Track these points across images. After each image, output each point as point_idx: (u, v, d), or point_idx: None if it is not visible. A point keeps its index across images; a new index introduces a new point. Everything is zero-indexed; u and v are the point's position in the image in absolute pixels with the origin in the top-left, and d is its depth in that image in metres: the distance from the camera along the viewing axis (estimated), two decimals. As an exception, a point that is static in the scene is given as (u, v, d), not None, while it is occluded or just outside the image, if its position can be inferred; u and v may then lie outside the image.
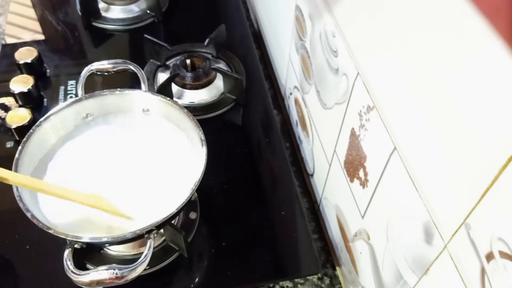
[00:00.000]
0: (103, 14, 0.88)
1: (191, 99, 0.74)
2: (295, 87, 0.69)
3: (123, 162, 0.55)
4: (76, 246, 0.46)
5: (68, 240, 0.46)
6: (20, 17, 0.87)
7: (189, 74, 0.74)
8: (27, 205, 0.46)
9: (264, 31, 0.88)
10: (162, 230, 0.56)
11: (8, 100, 0.72)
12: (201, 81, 0.75)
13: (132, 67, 0.60)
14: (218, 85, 0.76)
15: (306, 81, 0.63)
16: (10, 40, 0.82)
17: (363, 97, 0.44)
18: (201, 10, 0.92)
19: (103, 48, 0.85)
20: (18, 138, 0.67)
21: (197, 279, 0.57)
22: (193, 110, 0.72)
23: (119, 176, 0.54)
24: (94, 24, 0.86)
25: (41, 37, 0.84)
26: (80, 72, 0.59)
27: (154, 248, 0.48)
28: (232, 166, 0.68)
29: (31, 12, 0.88)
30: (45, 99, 0.74)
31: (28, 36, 0.83)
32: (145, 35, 0.78)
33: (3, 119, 0.68)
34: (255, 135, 0.74)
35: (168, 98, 0.57)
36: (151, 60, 0.79)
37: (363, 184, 0.47)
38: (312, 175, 0.67)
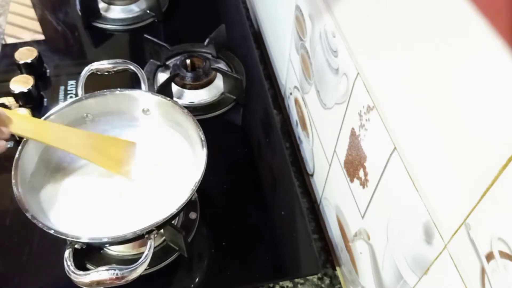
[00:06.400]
0: (103, 14, 0.88)
1: (191, 99, 0.74)
2: (295, 87, 0.69)
3: (123, 162, 0.55)
4: (76, 246, 0.46)
5: (68, 240, 0.46)
6: (20, 17, 0.87)
7: (189, 74, 0.74)
8: (27, 205, 0.46)
9: (264, 31, 0.88)
10: (162, 230, 0.56)
11: (8, 100, 0.72)
12: (201, 81, 0.75)
13: (132, 67, 0.60)
14: (218, 85, 0.76)
15: (306, 81, 0.63)
16: (10, 40, 0.82)
17: (363, 97, 0.44)
18: (201, 10, 0.92)
19: (103, 48, 0.85)
20: (18, 138, 0.67)
21: (197, 279, 0.57)
22: (193, 110, 0.72)
23: (119, 176, 0.54)
24: (94, 24, 0.86)
25: (41, 37, 0.84)
26: (80, 72, 0.59)
27: (154, 248, 0.48)
28: (232, 166, 0.68)
29: (31, 12, 0.88)
30: (45, 99, 0.74)
31: (28, 36, 0.83)
32: (145, 35, 0.78)
33: (3, 119, 0.68)
34: (255, 135, 0.74)
35: (168, 98, 0.57)
36: (151, 60, 0.79)
37: (363, 184, 0.47)
38: (312, 175, 0.67)
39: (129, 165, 0.55)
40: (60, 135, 0.52)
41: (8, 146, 0.66)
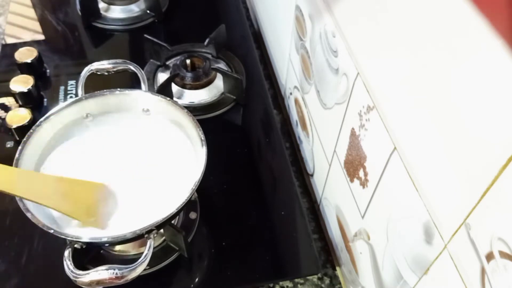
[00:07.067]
0: (103, 14, 0.88)
1: (191, 99, 0.74)
2: (295, 87, 0.69)
3: (123, 162, 0.55)
4: (76, 246, 0.46)
5: (68, 240, 0.46)
6: (20, 17, 0.87)
7: (189, 74, 0.74)
8: (27, 205, 0.46)
9: (264, 31, 0.88)
10: (162, 230, 0.56)
11: (8, 100, 0.72)
12: (201, 81, 0.75)
13: (132, 67, 0.60)
14: (218, 85, 0.76)
15: (306, 81, 0.63)
16: (10, 40, 0.82)
17: (363, 97, 0.44)
18: (201, 10, 0.92)
19: (103, 48, 0.85)
20: (18, 138, 0.67)
21: (197, 279, 0.57)
22: (193, 110, 0.72)
23: (119, 176, 0.54)
24: (94, 24, 0.86)
25: (41, 37, 0.84)
26: (80, 72, 0.58)
27: (154, 248, 0.48)
28: (232, 166, 0.68)
29: (31, 12, 0.88)
30: (45, 99, 0.74)
31: (28, 36, 0.83)
32: (145, 35, 0.78)
33: (3, 119, 0.68)
34: (255, 135, 0.74)
35: (168, 98, 0.57)
36: (151, 60, 0.79)
37: (363, 184, 0.47)
38: (312, 175, 0.67)
39: (98, 213, 0.51)
40: (25, 183, 0.47)
41: (8, 146, 0.67)
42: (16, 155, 0.50)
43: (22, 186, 0.46)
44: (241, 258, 0.59)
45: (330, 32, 0.51)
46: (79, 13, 0.88)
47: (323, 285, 0.59)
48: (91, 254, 0.56)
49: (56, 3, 0.91)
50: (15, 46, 0.78)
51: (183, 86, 0.75)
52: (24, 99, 0.71)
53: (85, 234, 0.46)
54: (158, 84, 0.74)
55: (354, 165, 0.49)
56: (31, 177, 0.49)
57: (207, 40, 0.79)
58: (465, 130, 0.29)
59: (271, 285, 0.58)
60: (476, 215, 0.29)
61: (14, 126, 0.66)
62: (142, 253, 0.46)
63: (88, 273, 0.44)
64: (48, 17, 0.88)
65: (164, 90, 0.70)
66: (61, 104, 0.56)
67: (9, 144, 0.67)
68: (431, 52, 0.32)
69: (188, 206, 0.60)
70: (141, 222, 0.47)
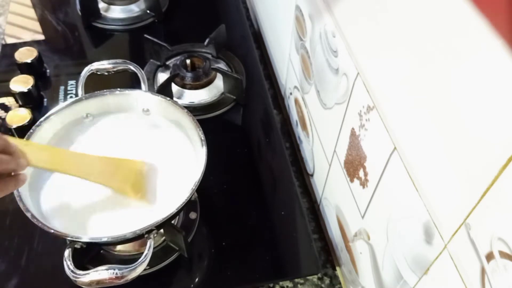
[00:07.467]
0: (103, 14, 0.88)
1: (191, 99, 0.74)
2: (295, 87, 0.69)
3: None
4: (76, 246, 0.46)
5: (68, 240, 0.46)
6: (20, 17, 0.87)
7: (189, 74, 0.74)
8: (27, 205, 0.46)
9: (264, 31, 0.88)
10: (162, 230, 0.56)
11: (8, 100, 0.72)
12: (201, 81, 0.75)
13: (132, 67, 0.60)
14: (218, 85, 0.76)
15: (306, 81, 0.63)
16: (10, 40, 0.82)
17: (363, 97, 0.44)
18: (201, 10, 0.92)
19: (103, 48, 0.85)
20: (18, 138, 0.67)
21: (197, 279, 0.57)
22: (193, 110, 0.72)
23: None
24: (94, 24, 0.86)
25: (41, 37, 0.84)
26: (80, 72, 0.59)
27: (154, 248, 0.48)
28: (232, 166, 0.68)
29: (31, 12, 0.88)
30: (45, 99, 0.74)
31: (28, 36, 0.83)
32: (145, 35, 0.78)
33: (3, 119, 0.68)
34: (255, 135, 0.74)
35: (168, 98, 0.57)
36: (151, 60, 0.79)
37: (363, 184, 0.47)
38: (312, 175, 0.67)
39: (143, 189, 0.53)
40: (75, 163, 0.50)
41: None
42: (16, 155, 0.50)
43: (74, 166, 0.49)
44: (241, 258, 0.59)
45: (330, 32, 0.51)
46: (79, 13, 0.88)
47: (323, 285, 0.59)
48: (91, 254, 0.56)
49: (56, 3, 0.91)
50: (15, 46, 0.78)
51: (183, 86, 0.75)
52: (24, 99, 0.71)
53: (85, 234, 0.46)
54: (158, 84, 0.74)
55: (354, 165, 0.49)
56: (80, 158, 0.51)
57: (207, 40, 0.79)
58: (465, 130, 0.29)
59: (271, 285, 0.58)
60: (476, 215, 0.29)
61: (14, 126, 0.66)
62: (142, 253, 0.46)
63: (88, 273, 0.44)
64: (48, 17, 0.88)
65: (164, 90, 0.70)
66: (61, 104, 0.56)
67: (9, 145, 0.67)
68: (431, 52, 0.32)
69: (188, 206, 0.60)
70: (141, 222, 0.47)
